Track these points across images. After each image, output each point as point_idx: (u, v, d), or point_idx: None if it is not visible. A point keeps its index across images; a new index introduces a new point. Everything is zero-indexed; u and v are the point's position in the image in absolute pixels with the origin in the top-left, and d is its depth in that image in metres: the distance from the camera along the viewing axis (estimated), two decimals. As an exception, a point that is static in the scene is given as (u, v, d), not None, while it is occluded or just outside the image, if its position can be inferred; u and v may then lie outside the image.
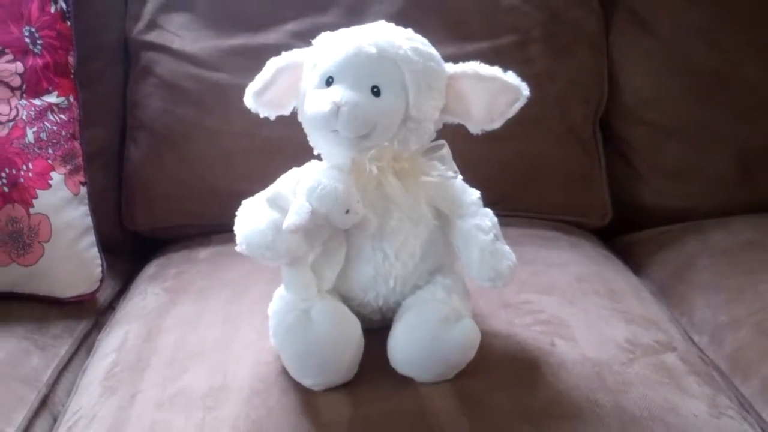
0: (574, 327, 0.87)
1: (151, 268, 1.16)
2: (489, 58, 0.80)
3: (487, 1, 1.20)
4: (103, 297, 1.13)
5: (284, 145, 1.03)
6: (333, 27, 0.80)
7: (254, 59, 0.82)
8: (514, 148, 1.18)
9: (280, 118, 0.82)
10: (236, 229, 0.74)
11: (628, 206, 1.29)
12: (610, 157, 1.28)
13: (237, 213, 0.75)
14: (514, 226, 1.13)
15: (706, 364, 0.90)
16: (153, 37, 1.21)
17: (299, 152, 0.80)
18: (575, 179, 1.24)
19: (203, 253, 1.15)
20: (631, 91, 1.27)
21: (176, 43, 1.20)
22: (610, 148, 1.28)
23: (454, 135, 0.82)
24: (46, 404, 0.92)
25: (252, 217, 0.74)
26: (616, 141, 1.29)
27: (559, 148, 1.22)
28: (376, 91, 0.74)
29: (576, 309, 0.91)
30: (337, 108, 0.72)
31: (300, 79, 0.78)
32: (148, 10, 1.21)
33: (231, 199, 0.77)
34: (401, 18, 0.95)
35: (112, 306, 1.13)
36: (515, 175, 1.21)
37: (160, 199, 1.21)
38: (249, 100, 0.80)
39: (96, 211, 1.11)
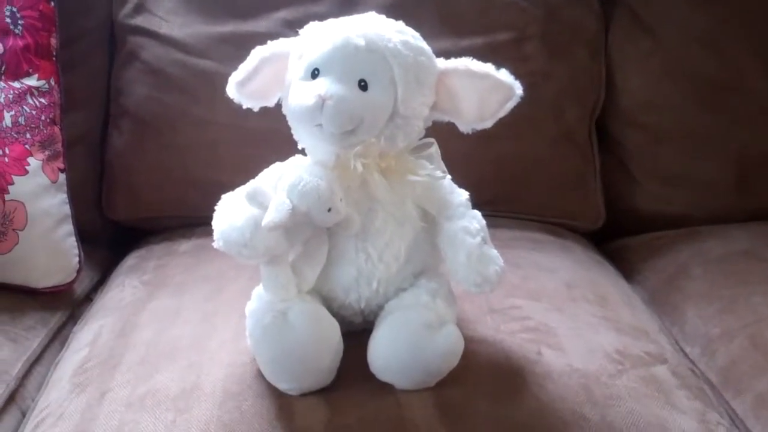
0: (562, 335, 0.84)
1: (130, 260, 1.13)
2: (484, 55, 0.77)
3: (483, -5, 1.18)
4: (80, 288, 1.10)
5: (271, 136, 0.99)
6: (326, 16, 0.77)
7: (243, 47, 0.79)
8: (506, 147, 1.16)
9: (269, 110, 0.79)
10: (214, 224, 0.72)
11: (621, 211, 1.26)
12: (605, 161, 1.26)
13: (216, 207, 0.73)
14: (504, 228, 1.11)
15: (697, 378, 0.88)
16: (140, 21, 1.18)
17: (286, 145, 0.78)
18: (569, 182, 1.21)
19: (185, 245, 1.12)
20: (628, 94, 1.24)
21: (164, 28, 1.17)
22: (605, 151, 1.26)
23: (444, 132, 0.79)
24: (15, 399, 0.88)
25: (230, 213, 0.71)
26: (611, 144, 1.26)
27: (553, 150, 1.20)
28: (363, 85, 0.71)
29: (564, 316, 0.89)
30: (322, 101, 0.69)
31: (285, 70, 0.75)
32: (136, -8, 1.18)
33: (215, 190, 0.75)
34: (396, 10, 0.92)
35: (89, 297, 1.10)
36: (507, 175, 1.18)
37: (142, 188, 1.18)
38: (231, 90, 0.77)
39: (75, 199, 1.08)
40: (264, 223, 0.68)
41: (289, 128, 0.78)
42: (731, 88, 1.22)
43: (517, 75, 0.76)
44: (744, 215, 1.23)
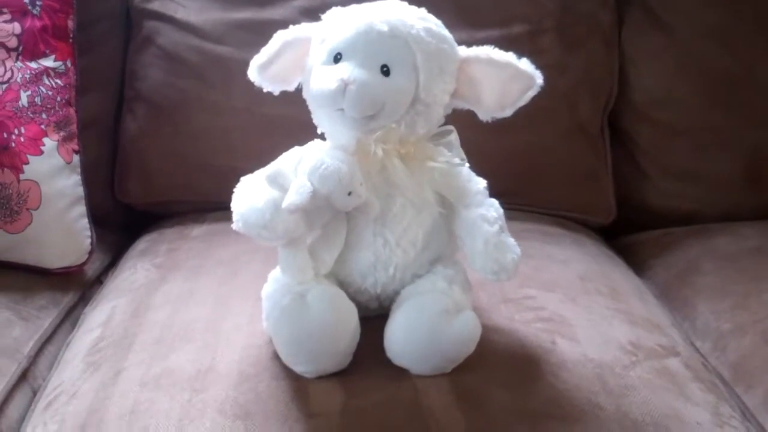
0: (576, 326, 0.84)
1: (142, 243, 1.13)
2: (499, 46, 0.77)
3: (500, -12, 1.18)
4: (92, 270, 1.10)
5: (285, 122, 1.00)
6: (342, 4, 0.78)
7: (259, 34, 0.79)
8: (519, 139, 1.16)
9: (282, 95, 0.79)
10: (233, 206, 0.72)
11: (632, 206, 1.26)
12: (617, 155, 1.25)
13: (235, 190, 0.73)
14: (515, 220, 1.10)
15: (709, 371, 0.88)
16: (156, 5, 1.18)
17: (300, 130, 0.77)
18: (580, 176, 1.21)
19: (197, 230, 1.12)
20: (641, 89, 1.24)
21: (180, 13, 1.17)
22: (617, 146, 1.26)
23: (458, 122, 0.79)
24: (26, 377, 0.89)
25: (250, 195, 0.71)
26: (623, 139, 1.26)
27: (566, 143, 1.20)
28: (385, 71, 0.71)
29: (578, 307, 0.89)
30: (344, 86, 0.70)
31: (307, 55, 0.76)
32: (153, -23, 1.18)
33: (228, 175, 0.75)
34: (411, 1, 0.92)
35: (100, 280, 1.10)
36: (520, 168, 1.18)
37: (155, 172, 1.18)
38: (253, 74, 0.77)
39: (88, 181, 1.08)
40: (284, 205, 0.68)
41: (303, 114, 0.78)
42: (744, 84, 1.22)
43: (532, 67, 0.76)
44: (755, 212, 1.23)
